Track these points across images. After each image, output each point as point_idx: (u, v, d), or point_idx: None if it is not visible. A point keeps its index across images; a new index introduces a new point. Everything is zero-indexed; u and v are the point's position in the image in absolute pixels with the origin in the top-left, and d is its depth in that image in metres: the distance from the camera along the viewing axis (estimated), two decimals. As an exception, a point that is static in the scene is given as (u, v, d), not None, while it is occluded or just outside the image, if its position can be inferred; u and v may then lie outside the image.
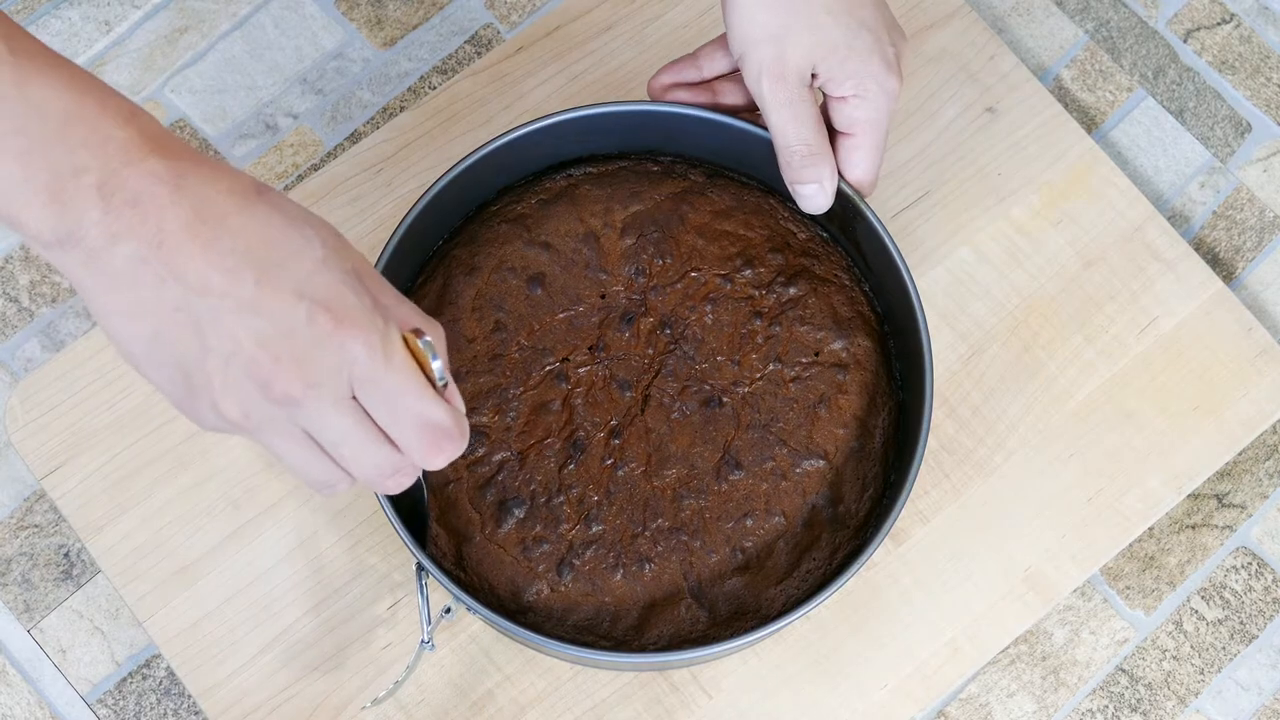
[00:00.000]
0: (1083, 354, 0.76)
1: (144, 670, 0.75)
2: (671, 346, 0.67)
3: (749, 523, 0.65)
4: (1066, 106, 0.83)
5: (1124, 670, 0.77)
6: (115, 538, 0.73)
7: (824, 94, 0.63)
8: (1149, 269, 0.77)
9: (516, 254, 0.68)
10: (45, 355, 0.80)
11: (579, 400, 0.66)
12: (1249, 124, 0.85)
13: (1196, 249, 0.81)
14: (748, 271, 0.67)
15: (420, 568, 0.61)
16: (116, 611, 0.76)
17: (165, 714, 0.75)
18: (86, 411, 0.74)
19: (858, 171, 0.64)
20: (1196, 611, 0.78)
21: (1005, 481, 0.74)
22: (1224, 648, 0.77)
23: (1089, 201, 0.78)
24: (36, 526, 0.77)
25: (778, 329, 0.67)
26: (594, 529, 0.64)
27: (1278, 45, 0.86)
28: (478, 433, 0.65)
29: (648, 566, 0.64)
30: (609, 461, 0.65)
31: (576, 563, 0.64)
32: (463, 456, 0.63)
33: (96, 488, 0.73)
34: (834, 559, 0.65)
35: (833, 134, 0.64)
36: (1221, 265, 0.82)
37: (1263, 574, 0.78)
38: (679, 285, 0.67)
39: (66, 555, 0.77)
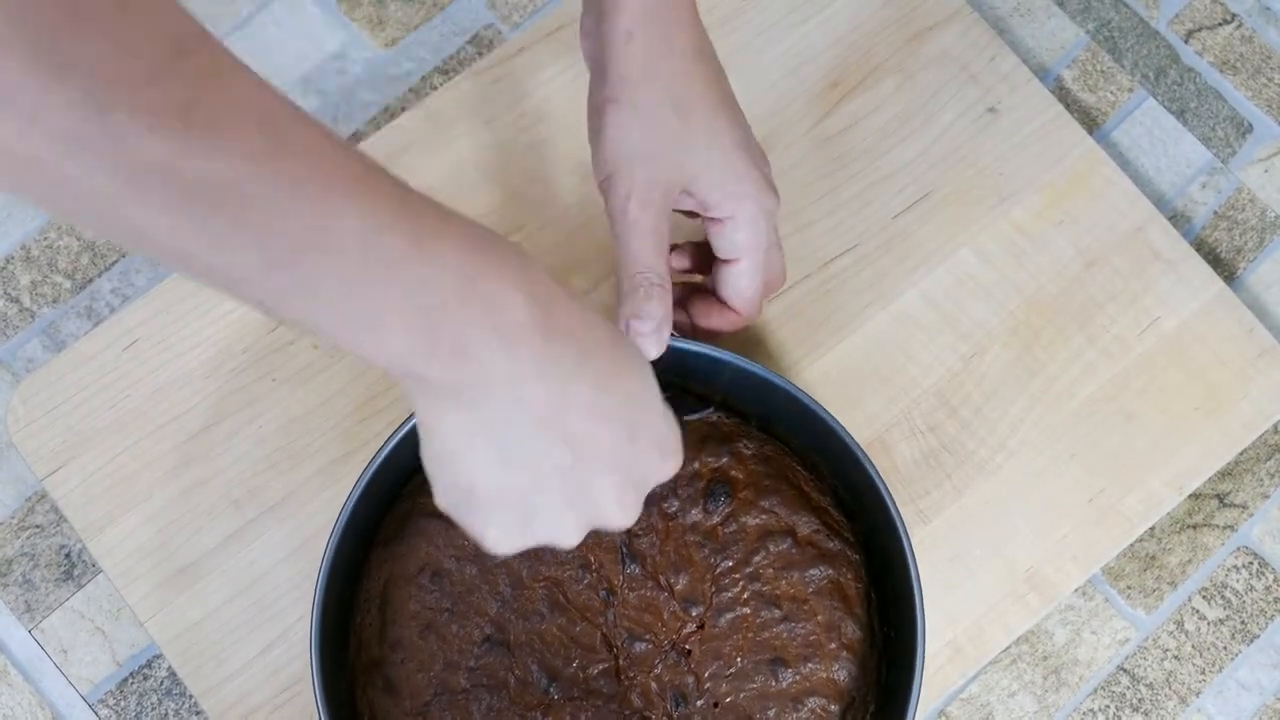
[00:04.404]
0: (1084, 354, 0.76)
1: (145, 670, 0.75)
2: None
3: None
4: (1068, 107, 0.82)
5: (1125, 670, 0.77)
6: (116, 538, 0.73)
7: (703, 218, 0.61)
8: (1150, 269, 0.77)
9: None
10: (46, 355, 0.80)
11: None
12: (1250, 124, 0.85)
13: (1198, 249, 0.81)
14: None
15: None
16: (118, 612, 0.76)
17: (166, 714, 0.75)
18: (88, 412, 0.74)
19: (742, 298, 0.62)
20: (1198, 611, 0.78)
21: (1006, 482, 0.74)
22: (1225, 647, 0.77)
23: (1090, 202, 0.78)
24: (38, 527, 0.77)
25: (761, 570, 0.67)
26: None
27: (1279, 45, 0.86)
28: None
29: None
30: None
31: None
32: None
33: (98, 488, 0.73)
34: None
35: (712, 261, 0.63)
36: (1223, 265, 0.82)
37: (1264, 574, 0.78)
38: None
39: (68, 555, 0.77)
